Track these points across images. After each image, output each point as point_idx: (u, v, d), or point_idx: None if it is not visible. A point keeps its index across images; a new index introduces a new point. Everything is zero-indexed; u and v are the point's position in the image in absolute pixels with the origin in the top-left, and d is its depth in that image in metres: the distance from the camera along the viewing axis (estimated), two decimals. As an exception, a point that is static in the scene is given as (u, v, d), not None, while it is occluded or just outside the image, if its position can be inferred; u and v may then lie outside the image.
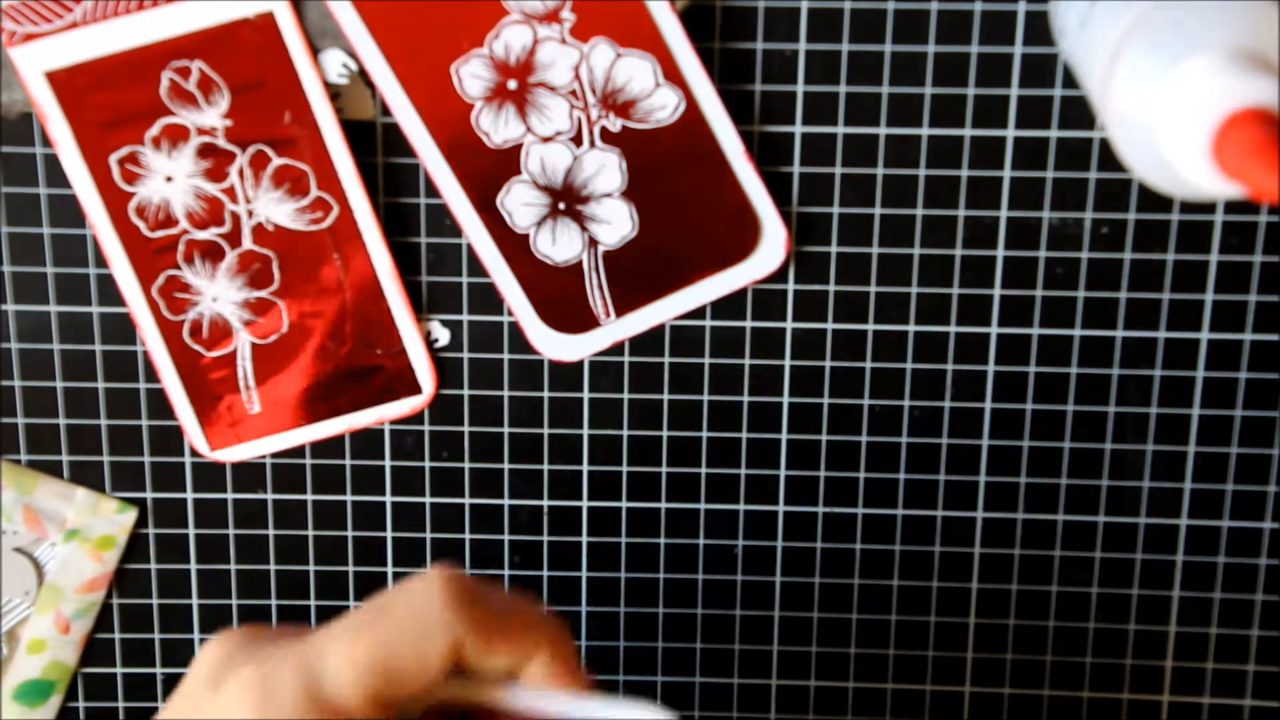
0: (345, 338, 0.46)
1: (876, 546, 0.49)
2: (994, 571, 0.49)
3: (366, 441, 0.48)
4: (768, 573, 0.49)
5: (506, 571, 0.49)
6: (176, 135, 0.44)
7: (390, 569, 0.49)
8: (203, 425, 0.47)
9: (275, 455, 0.48)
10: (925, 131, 0.45)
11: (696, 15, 0.45)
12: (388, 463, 0.48)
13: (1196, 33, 0.35)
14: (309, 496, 0.48)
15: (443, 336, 0.47)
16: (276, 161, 0.45)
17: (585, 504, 0.49)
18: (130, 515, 0.48)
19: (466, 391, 0.48)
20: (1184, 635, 0.49)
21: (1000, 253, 0.46)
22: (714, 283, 0.46)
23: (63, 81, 0.44)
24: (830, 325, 0.47)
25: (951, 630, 0.49)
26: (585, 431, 0.48)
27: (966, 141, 0.45)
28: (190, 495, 0.48)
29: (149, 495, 0.48)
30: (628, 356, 0.47)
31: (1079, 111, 0.45)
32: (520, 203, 0.45)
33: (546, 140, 0.45)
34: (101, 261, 0.46)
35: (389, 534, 0.49)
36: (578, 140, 0.45)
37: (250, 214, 0.45)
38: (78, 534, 0.48)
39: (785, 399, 0.47)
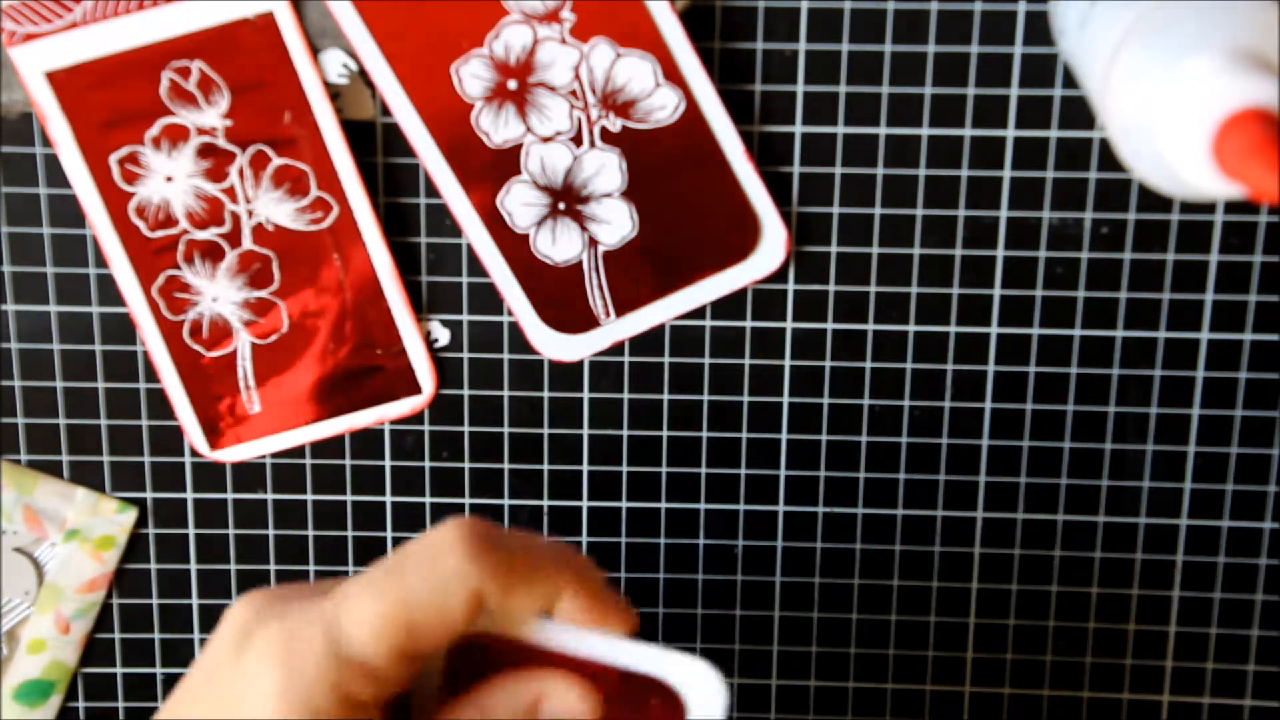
0: (345, 338, 0.46)
1: (876, 546, 0.49)
2: (994, 571, 0.49)
3: (366, 441, 0.48)
4: (768, 573, 0.49)
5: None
6: (176, 135, 0.44)
7: (390, 569, 0.49)
8: (203, 425, 0.47)
9: (275, 455, 0.48)
10: (925, 131, 0.45)
11: (696, 15, 0.45)
12: (388, 463, 0.48)
13: (1196, 33, 0.35)
14: (309, 496, 0.48)
15: (443, 336, 0.47)
16: (276, 161, 0.45)
17: (585, 504, 0.49)
18: (130, 515, 0.48)
19: (466, 391, 0.48)
20: (1184, 635, 0.49)
21: (1000, 253, 0.46)
22: (714, 283, 0.46)
23: (63, 81, 0.44)
24: (830, 325, 0.47)
25: (951, 630, 0.49)
26: (585, 431, 0.48)
27: (966, 141, 0.45)
28: (190, 495, 0.48)
29: (149, 495, 0.48)
30: (628, 356, 0.47)
31: (1079, 111, 0.45)
32: (520, 203, 0.45)
33: (546, 140, 0.45)
34: (101, 261, 0.46)
35: (389, 534, 0.49)
36: (578, 140, 0.45)
37: (250, 214, 0.45)
38: (78, 534, 0.48)
39: (785, 399, 0.47)
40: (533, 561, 0.28)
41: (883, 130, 0.45)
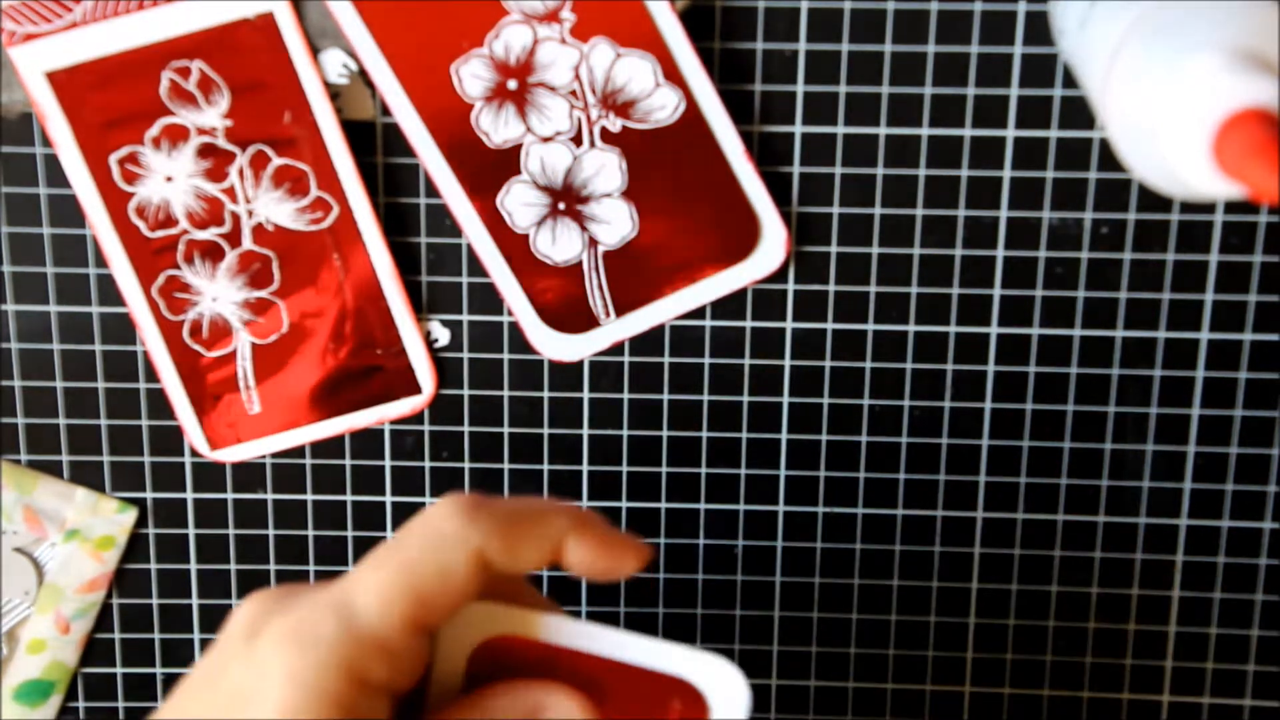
0: (345, 338, 0.46)
1: (876, 546, 0.49)
2: (994, 571, 0.49)
3: (366, 441, 0.48)
4: (768, 573, 0.49)
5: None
6: (176, 135, 0.44)
7: (390, 569, 0.49)
8: (203, 425, 0.47)
9: (275, 455, 0.48)
10: (925, 131, 0.45)
11: (696, 15, 0.45)
12: (388, 463, 0.48)
13: (1196, 33, 0.35)
14: (309, 496, 0.48)
15: (443, 336, 0.47)
16: (276, 161, 0.45)
17: (585, 504, 0.49)
18: (130, 515, 0.48)
19: (466, 391, 0.48)
20: (1184, 635, 0.49)
21: (1000, 253, 0.46)
22: (714, 283, 0.46)
23: (63, 81, 0.44)
24: (830, 325, 0.47)
25: (951, 630, 0.49)
26: (585, 431, 0.48)
27: (966, 141, 0.45)
28: (190, 495, 0.48)
29: (149, 495, 0.48)
30: (628, 356, 0.47)
31: (1079, 111, 0.45)
32: (520, 203, 0.45)
33: (546, 140, 0.45)
34: (101, 261, 0.46)
35: (389, 534, 0.49)
36: (578, 140, 0.45)
37: (250, 214, 0.45)
38: (78, 534, 0.48)
39: (785, 399, 0.47)
40: (530, 514, 0.28)
41: (883, 130, 0.45)
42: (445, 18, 0.44)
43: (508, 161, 0.45)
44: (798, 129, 0.45)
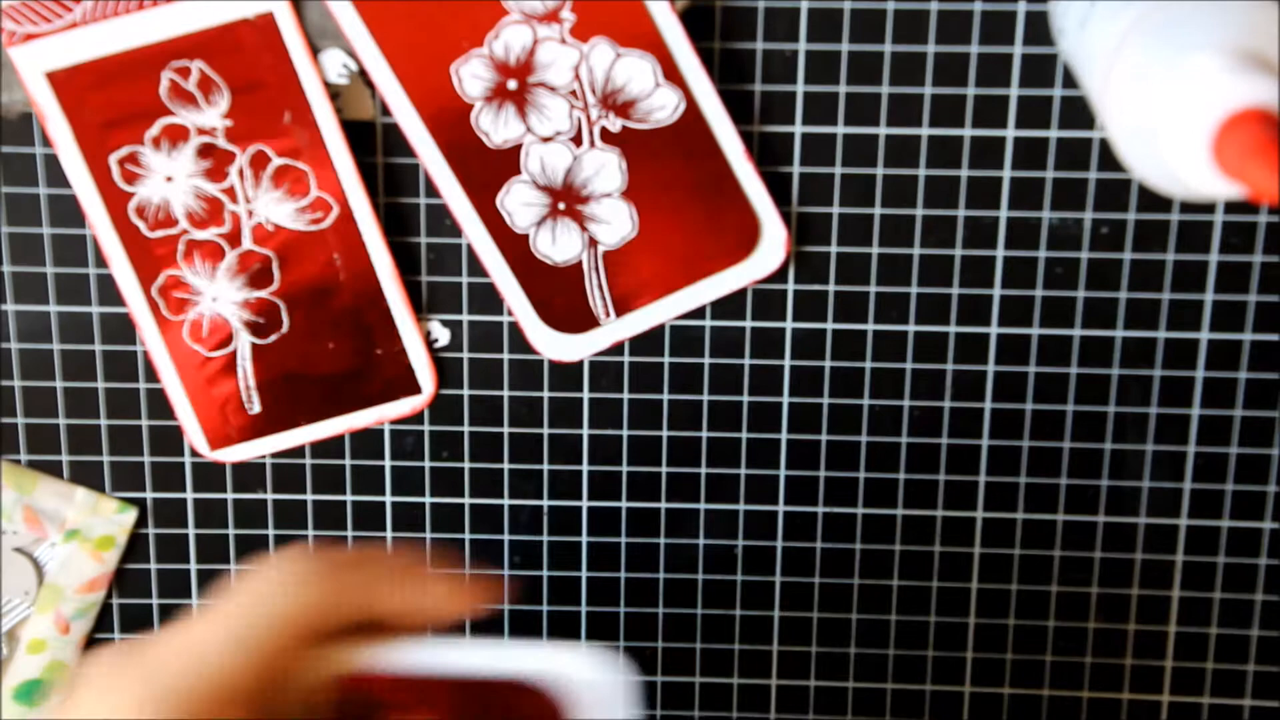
0: (345, 338, 0.46)
1: (876, 546, 0.49)
2: (994, 571, 0.49)
3: (366, 441, 0.48)
4: (768, 573, 0.49)
5: (506, 571, 0.49)
6: (176, 135, 0.44)
7: (390, 569, 0.49)
8: (203, 425, 0.47)
9: (275, 455, 0.48)
10: (925, 131, 0.45)
11: (696, 15, 0.45)
12: (388, 463, 0.48)
13: (1196, 33, 0.35)
14: (309, 496, 0.48)
15: (443, 336, 0.47)
16: (276, 161, 0.45)
17: (585, 504, 0.49)
18: (130, 515, 0.48)
19: (466, 391, 0.48)
20: (1184, 635, 0.49)
21: (1000, 253, 0.46)
22: (714, 283, 0.46)
23: (63, 81, 0.44)
24: (830, 325, 0.47)
25: (951, 630, 0.49)
26: (585, 431, 0.48)
27: (966, 141, 0.45)
28: (190, 495, 0.48)
29: (149, 495, 0.48)
30: (628, 356, 0.47)
31: (1079, 111, 0.45)
32: (520, 203, 0.45)
33: (546, 140, 0.45)
34: (101, 261, 0.46)
35: (389, 534, 0.49)
36: (578, 140, 0.45)
37: (250, 214, 0.45)
38: (78, 534, 0.48)
39: (785, 399, 0.47)
40: (353, 564, 0.30)
41: (883, 130, 0.45)
42: (445, 18, 0.44)
43: (508, 161, 0.45)
44: (798, 129, 0.45)
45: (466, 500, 0.49)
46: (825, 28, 0.45)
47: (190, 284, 0.46)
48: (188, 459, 0.48)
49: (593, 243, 0.45)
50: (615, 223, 0.45)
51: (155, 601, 0.49)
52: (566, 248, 0.45)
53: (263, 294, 0.46)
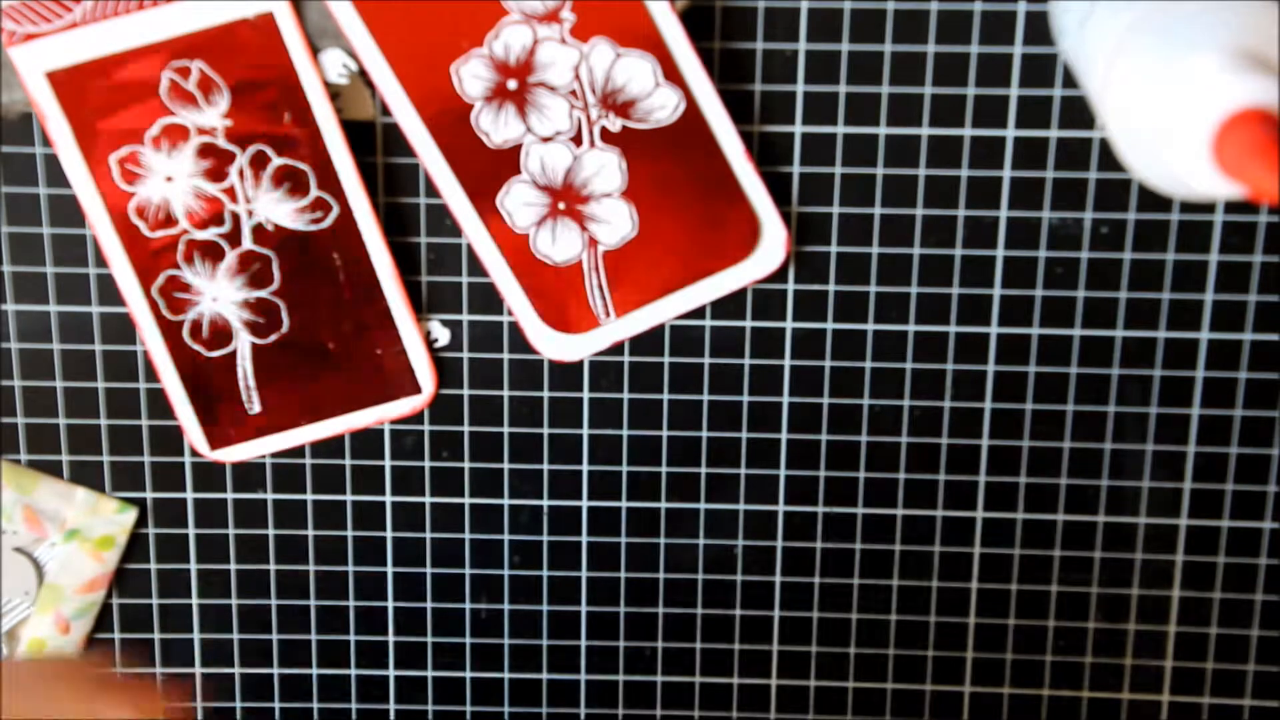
0: (345, 338, 0.46)
1: (876, 546, 0.49)
2: (994, 571, 0.49)
3: (366, 441, 0.48)
4: (768, 573, 0.49)
5: (506, 571, 0.49)
6: (176, 135, 0.44)
7: (390, 569, 0.49)
8: (203, 425, 0.47)
9: (275, 455, 0.48)
10: (925, 131, 0.45)
11: (696, 15, 0.45)
12: (388, 463, 0.48)
13: (1196, 33, 0.35)
14: (309, 496, 0.48)
15: (443, 336, 0.47)
16: (276, 161, 0.45)
17: (585, 504, 0.49)
18: (130, 515, 0.48)
19: (466, 391, 0.48)
20: (1184, 635, 0.49)
21: (1000, 253, 0.46)
22: (714, 283, 0.46)
23: (63, 81, 0.44)
24: (830, 325, 0.47)
25: (951, 630, 0.49)
26: (585, 431, 0.48)
27: (966, 141, 0.45)
28: (190, 495, 0.48)
29: (149, 495, 0.48)
30: (628, 356, 0.47)
31: (1079, 111, 0.45)
32: (520, 203, 0.45)
33: (546, 140, 0.45)
34: (101, 261, 0.46)
35: (389, 534, 0.49)
36: (578, 140, 0.45)
37: (250, 214, 0.45)
38: (78, 534, 0.48)
39: (785, 399, 0.47)
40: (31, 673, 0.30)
41: (883, 130, 0.45)
42: (445, 18, 0.44)
43: (508, 161, 0.45)
44: (798, 129, 0.45)
45: (466, 500, 0.49)
46: (825, 28, 0.45)
47: (190, 284, 0.46)
48: (188, 459, 0.48)
49: (593, 243, 0.45)
50: (615, 223, 0.45)
51: (155, 601, 0.49)
52: (566, 248, 0.45)
53: (263, 294, 0.46)
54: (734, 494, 0.48)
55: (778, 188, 0.46)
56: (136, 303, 0.46)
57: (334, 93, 0.45)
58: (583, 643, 0.50)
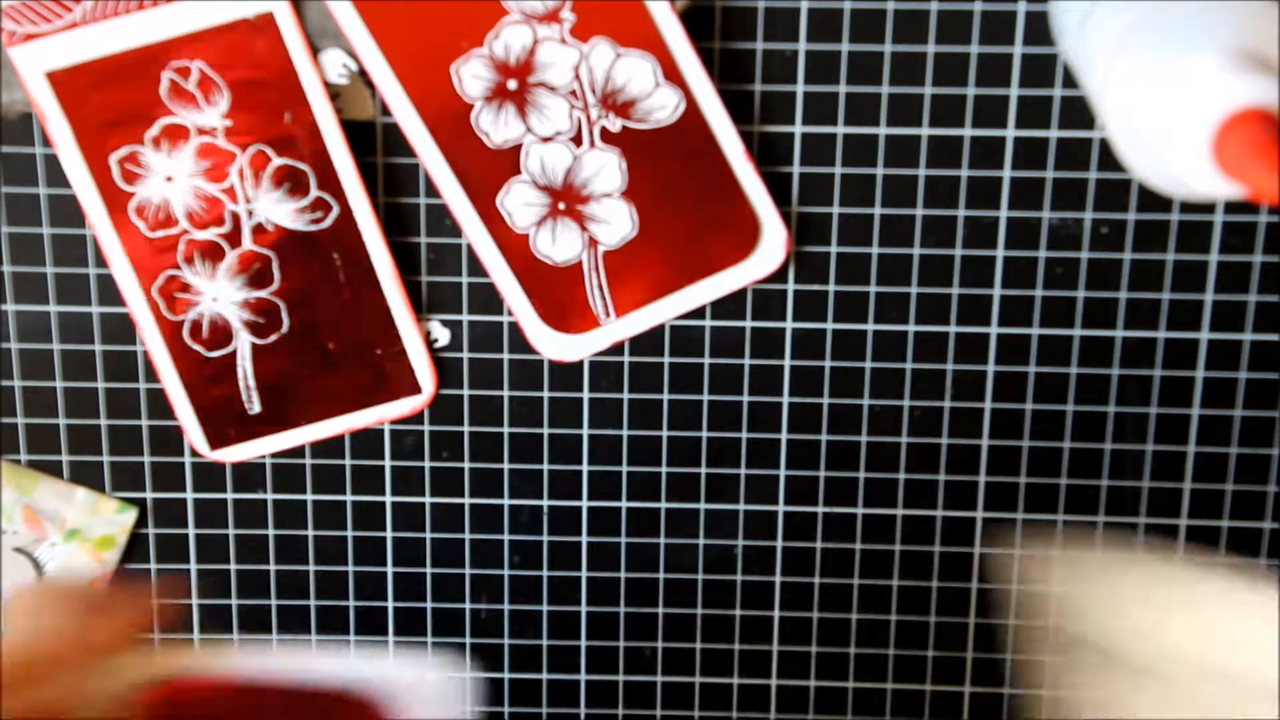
0: (345, 338, 0.46)
1: (876, 546, 0.49)
2: (994, 571, 0.49)
3: (366, 441, 0.48)
4: (768, 573, 0.49)
5: (506, 571, 0.49)
6: (176, 135, 0.44)
7: (390, 569, 0.49)
8: (203, 425, 0.47)
9: (275, 455, 0.48)
10: (925, 131, 0.45)
11: (696, 15, 0.45)
12: (388, 463, 0.48)
13: (1196, 33, 0.35)
14: (309, 496, 0.48)
15: (443, 336, 0.47)
16: (276, 161, 0.45)
17: (585, 504, 0.49)
18: (130, 515, 0.48)
19: (466, 391, 0.48)
20: (1184, 635, 0.49)
21: (1000, 253, 0.46)
22: (714, 283, 0.46)
23: (63, 81, 0.44)
24: (830, 325, 0.47)
25: (951, 630, 0.49)
26: (585, 431, 0.48)
27: (966, 141, 0.45)
28: (190, 495, 0.48)
29: (149, 495, 0.48)
30: (628, 356, 0.47)
31: (1079, 111, 0.45)
32: (520, 203, 0.45)
33: (546, 140, 0.45)
34: (101, 261, 0.46)
35: (389, 534, 0.49)
36: (578, 140, 0.45)
37: (250, 214, 0.45)
38: (78, 534, 0.48)
39: (785, 399, 0.47)
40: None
41: (883, 130, 0.45)
42: (445, 18, 0.44)
43: (508, 161, 0.45)
44: (798, 129, 0.45)
45: (466, 500, 0.49)
46: (825, 28, 0.45)
47: (190, 284, 0.46)
48: (188, 459, 0.48)
49: (593, 243, 0.45)
50: (615, 223, 0.45)
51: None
52: (566, 248, 0.45)
53: (263, 294, 0.46)
54: (734, 494, 0.48)
55: (778, 188, 0.46)
56: (136, 303, 0.46)
57: (334, 93, 0.45)
58: (583, 643, 0.50)
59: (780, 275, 0.46)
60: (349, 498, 0.49)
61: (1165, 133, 0.35)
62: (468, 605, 0.49)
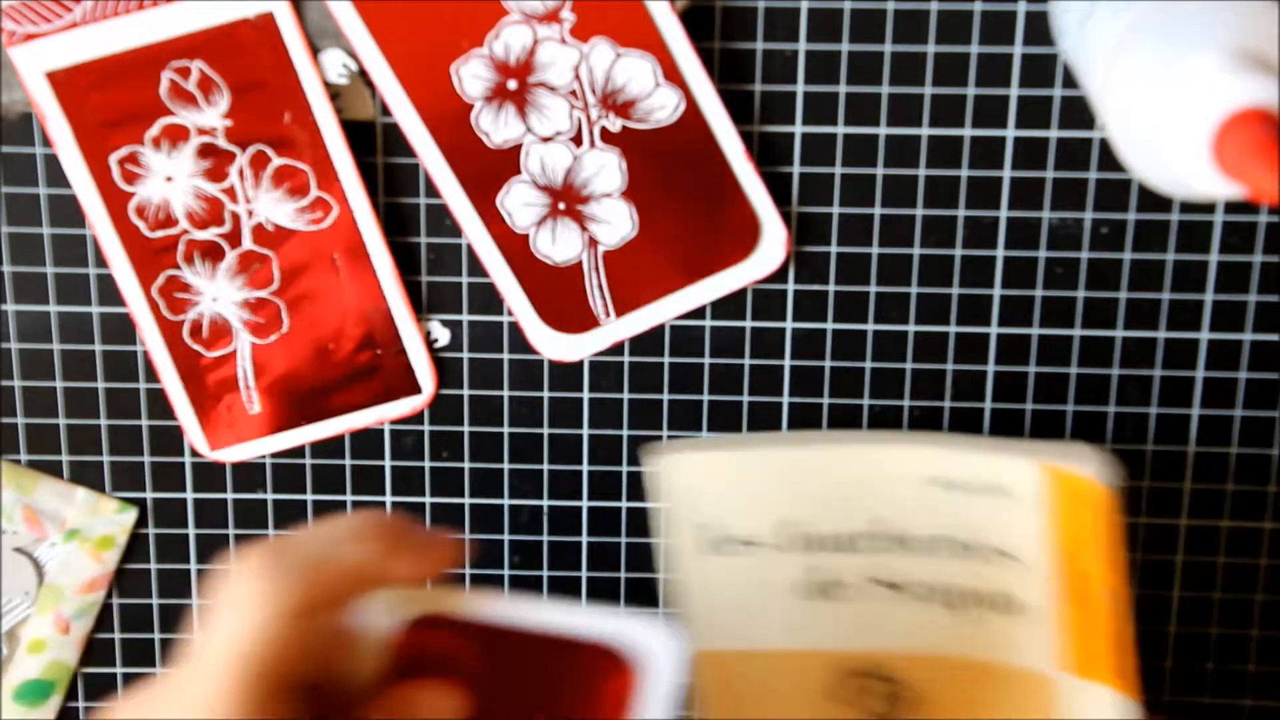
0: (345, 337, 0.46)
1: (876, 546, 0.49)
2: (994, 571, 0.49)
3: (366, 441, 0.48)
4: (768, 573, 0.49)
5: (506, 571, 0.49)
6: (176, 135, 0.44)
7: (390, 569, 0.49)
8: (203, 425, 0.47)
9: (275, 455, 0.48)
10: (925, 131, 0.45)
11: (696, 15, 0.45)
12: (388, 463, 0.48)
13: (1196, 33, 0.35)
14: (309, 496, 0.48)
15: (443, 336, 0.47)
16: (276, 161, 0.45)
17: (585, 504, 0.49)
18: (130, 515, 0.48)
19: (466, 391, 0.48)
20: (1184, 635, 0.49)
21: (1000, 253, 0.46)
22: (714, 283, 0.46)
23: (63, 81, 0.44)
24: (830, 325, 0.47)
25: (951, 630, 0.49)
26: (585, 431, 0.48)
27: (966, 141, 0.45)
28: (190, 495, 0.48)
29: (149, 495, 0.48)
30: (628, 356, 0.47)
31: (1079, 111, 0.45)
32: (520, 203, 0.45)
33: (546, 140, 0.45)
34: (101, 261, 0.46)
35: (389, 534, 0.49)
36: (578, 140, 0.45)
37: (250, 214, 0.45)
38: (78, 534, 0.48)
39: (785, 399, 0.47)
40: (327, 557, 0.30)
41: (883, 130, 0.45)
42: (445, 18, 0.44)
43: (508, 161, 0.45)
44: (798, 129, 0.45)
45: (466, 500, 0.49)
46: (825, 28, 0.45)
47: (190, 284, 0.46)
48: (188, 459, 0.48)
49: (593, 243, 0.45)
50: (615, 223, 0.45)
51: (155, 601, 0.49)
52: (566, 248, 0.45)
53: (263, 294, 0.46)
54: (734, 494, 0.48)
55: (778, 188, 0.46)
56: (136, 303, 0.46)
57: (334, 93, 0.45)
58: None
59: (780, 275, 0.46)
60: (349, 498, 0.49)
61: (1165, 133, 0.35)
62: (468, 605, 0.49)
